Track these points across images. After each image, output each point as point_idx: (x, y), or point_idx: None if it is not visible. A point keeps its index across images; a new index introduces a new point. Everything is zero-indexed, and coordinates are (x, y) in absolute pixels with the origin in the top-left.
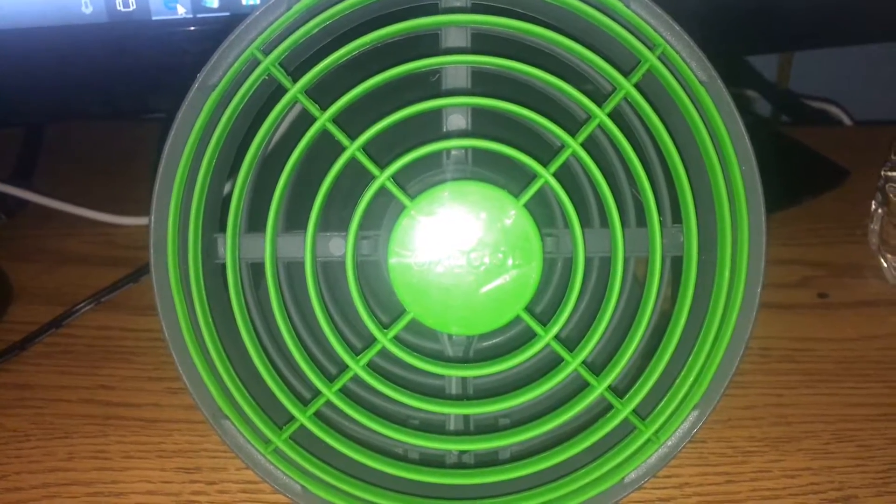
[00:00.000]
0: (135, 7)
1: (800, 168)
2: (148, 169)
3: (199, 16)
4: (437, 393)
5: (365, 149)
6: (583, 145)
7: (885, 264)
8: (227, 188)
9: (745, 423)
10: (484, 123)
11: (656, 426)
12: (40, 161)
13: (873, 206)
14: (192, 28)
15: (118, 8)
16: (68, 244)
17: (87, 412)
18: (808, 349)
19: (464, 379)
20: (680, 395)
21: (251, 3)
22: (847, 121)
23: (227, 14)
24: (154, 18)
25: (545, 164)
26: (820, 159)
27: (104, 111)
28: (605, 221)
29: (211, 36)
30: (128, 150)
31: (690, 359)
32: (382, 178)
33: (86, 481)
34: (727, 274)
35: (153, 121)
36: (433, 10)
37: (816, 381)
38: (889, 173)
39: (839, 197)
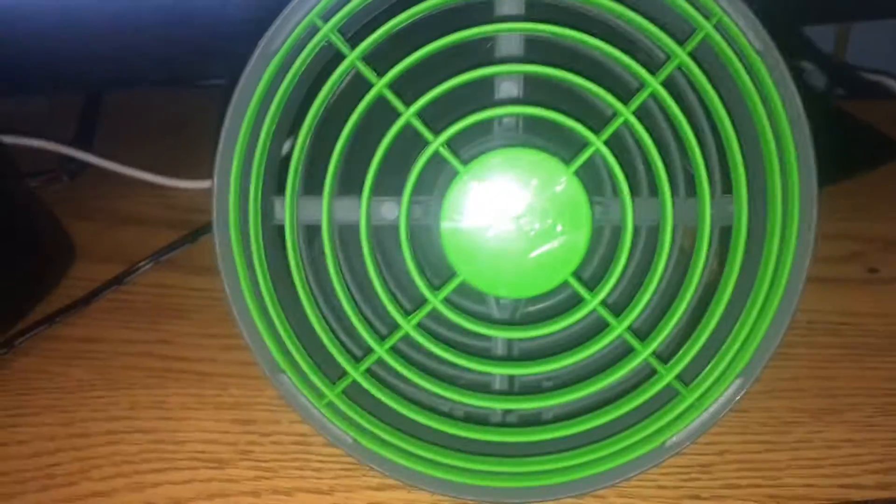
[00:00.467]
0: None
1: (853, 142)
2: (202, 135)
3: None
4: (482, 355)
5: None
6: (634, 114)
7: None
8: (283, 150)
9: (788, 394)
10: (536, 93)
11: (699, 392)
12: (100, 126)
13: None
14: None
15: None
16: (126, 206)
17: (148, 365)
18: (854, 323)
19: (509, 342)
20: (724, 364)
21: None
22: None
23: None
24: None
25: (597, 133)
26: (874, 133)
27: (160, 77)
28: (653, 190)
29: (265, 4)
30: (183, 116)
31: (736, 328)
32: (437, 143)
33: (147, 429)
34: (776, 245)
35: (208, 87)
36: None
37: (862, 354)
38: None
39: (892, 172)
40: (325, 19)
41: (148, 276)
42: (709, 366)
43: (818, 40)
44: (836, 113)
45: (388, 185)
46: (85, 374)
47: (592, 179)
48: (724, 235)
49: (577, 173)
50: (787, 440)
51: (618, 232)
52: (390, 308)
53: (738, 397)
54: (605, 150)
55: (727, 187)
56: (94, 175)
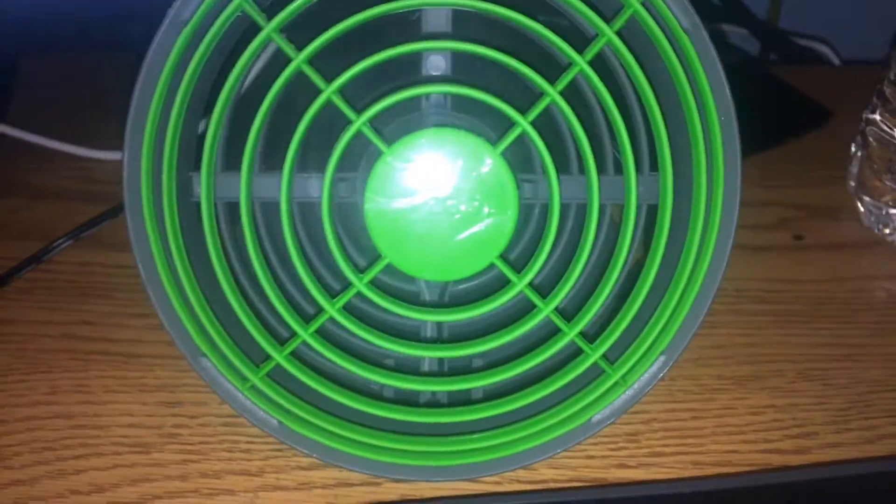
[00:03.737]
0: None
1: (783, 108)
2: (126, 103)
3: None
4: (413, 333)
5: (345, 87)
6: (565, 91)
7: (861, 207)
8: (202, 127)
9: (714, 361)
10: (467, 63)
11: (624, 370)
12: (15, 94)
13: (853, 149)
14: None
15: None
16: (45, 179)
17: (69, 347)
18: (780, 290)
19: (439, 322)
20: (648, 341)
21: None
22: (836, 60)
23: None
24: None
25: (525, 111)
26: (804, 99)
27: (79, 42)
28: (583, 168)
29: None
30: (106, 82)
31: (661, 306)
32: (359, 122)
33: (68, 414)
34: (700, 224)
35: (131, 53)
36: None
37: (787, 321)
38: (870, 116)
39: (822, 138)
40: None
41: (68, 254)
42: (633, 344)
43: (751, 5)
44: (767, 79)
45: (319, 160)
46: (2, 359)
47: (524, 156)
48: (653, 214)
49: (505, 152)
50: (711, 407)
51: (548, 210)
52: (313, 290)
53: (662, 374)
54: (532, 131)
55: (658, 166)
56: (9, 147)
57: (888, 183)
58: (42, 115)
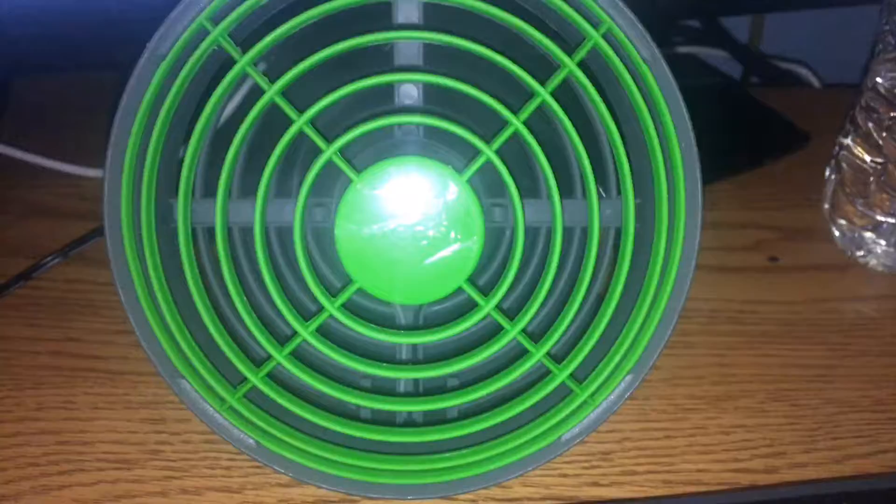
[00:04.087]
0: None
1: (762, 130)
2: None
3: None
4: (389, 353)
5: (323, 113)
6: (533, 116)
7: (835, 230)
8: (181, 155)
9: (687, 381)
10: (439, 91)
11: (592, 389)
12: (7, 113)
13: (827, 173)
14: None
15: None
16: (36, 196)
17: (56, 364)
18: (753, 311)
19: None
20: (615, 361)
21: None
22: (816, 83)
23: None
24: None
25: (495, 136)
26: (783, 122)
27: (70, 63)
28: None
29: None
30: (97, 101)
31: (626, 326)
32: (329, 152)
33: (54, 430)
34: (663, 246)
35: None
36: None
37: (759, 342)
38: (843, 141)
39: (800, 161)
40: (216, 22)
41: (57, 271)
42: (601, 364)
43: (734, 29)
44: (747, 101)
45: (297, 186)
46: None
47: (496, 180)
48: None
49: (475, 177)
50: (683, 427)
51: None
52: (287, 314)
53: (629, 393)
54: (496, 159)
55: None
56: (1, 164)
57: (860, 207)
58: (34, 133)
